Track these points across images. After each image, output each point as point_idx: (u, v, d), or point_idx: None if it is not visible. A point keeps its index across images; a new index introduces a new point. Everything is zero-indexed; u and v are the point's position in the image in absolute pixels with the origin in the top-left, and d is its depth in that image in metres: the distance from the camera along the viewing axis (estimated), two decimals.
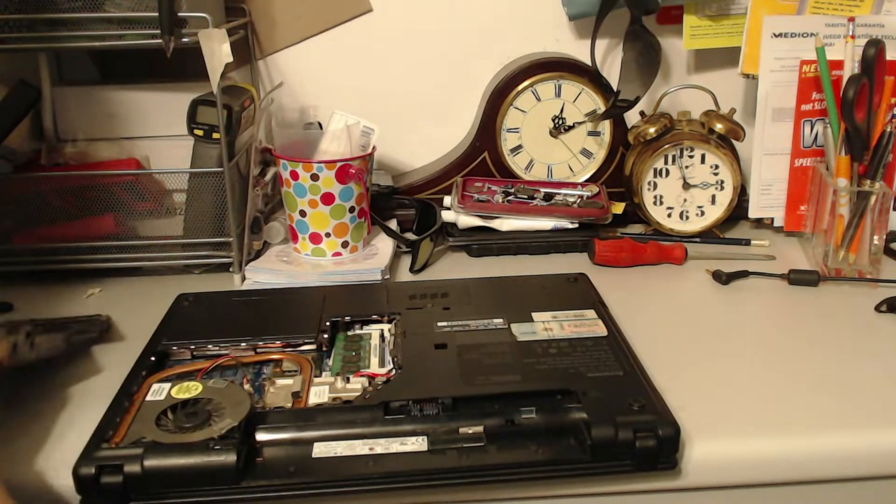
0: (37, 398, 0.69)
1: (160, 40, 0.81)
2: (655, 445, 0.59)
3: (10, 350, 0.67)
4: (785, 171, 1.01)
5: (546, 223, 1.00)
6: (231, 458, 0.56)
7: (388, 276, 0.91)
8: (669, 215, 1.03)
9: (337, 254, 0.94)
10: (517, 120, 1.05)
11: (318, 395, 0.64)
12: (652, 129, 1.00)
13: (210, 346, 0.71)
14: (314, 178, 0.89)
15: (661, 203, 1.02)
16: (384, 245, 0.97)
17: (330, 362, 0.71)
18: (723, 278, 0.91)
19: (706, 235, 1.03)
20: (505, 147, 1.06)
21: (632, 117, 1.06)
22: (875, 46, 0.89)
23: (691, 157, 1.01)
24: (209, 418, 0.59)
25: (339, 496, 0.57)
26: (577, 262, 0.97)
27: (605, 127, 1.06)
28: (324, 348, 0.72)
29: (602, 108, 1.05)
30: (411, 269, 0.94)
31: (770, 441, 0.64)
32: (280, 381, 0.67)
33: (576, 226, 1.00)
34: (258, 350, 0.71)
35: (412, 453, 0.59)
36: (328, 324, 0.74)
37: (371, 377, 0.67)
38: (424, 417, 0.61)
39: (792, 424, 0.65)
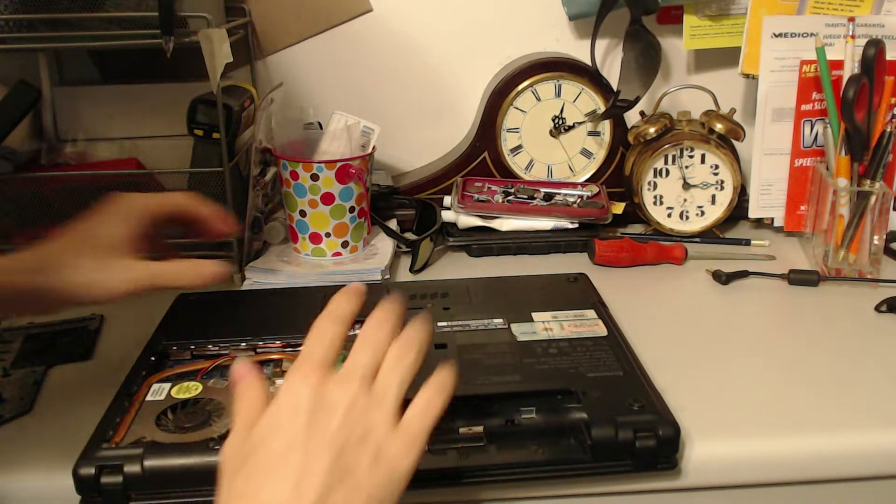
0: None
1: (160, 40, 0.81)
2: (655, 445, 0.59)
3: None
4: (785, 171, 1.01)
5: (546, 223, 1.00)
6: None
7: (388, 276, 0.91)
8: (669, 215, 1.03)
9: (337, 254, 0.94)
10: (517, 120, 1.05)
11: None
12: (652, 129, 1.01)
13: (210, 346, 0.71)
14: (314, 178, 0.89)
15: (661, 203, 1.02)
16: (384, 245, 0.97)
17: None
18: (723, 278, 0.91)
19: (706, 235, 1.03)
20: (505, 147, 1.06)
21: (632, 117, 1.06)
22: (875, 46, 0.89)
23: (691, 157, 1.01)
24: (209, 418, 0.59)
25: None
26: (577, 262, 0.97)
27: (605, 127, 1.06)
28: None
29: (602, 108, 1.05)
30: (411, 269, 0.94)
31: (770, 441, 0.64)
32: (280, 381, 0.67)
33: (576, 226, 1.00)
34: (258, 350, 0.71)
35: None
36: None
37: None
38: None
39: (792, 424, 0.65)
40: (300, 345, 0.72)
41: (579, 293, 0.82)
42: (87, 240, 0.63)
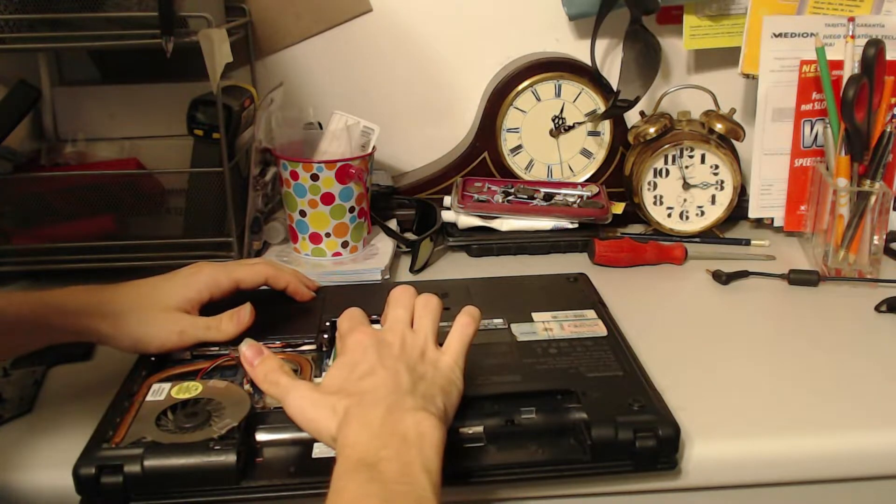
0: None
1: (160, 40, 0.81)
2: (655, 445, 0.59)
3: None
4: (785, 171, 1.01)
5: (546, 223, 1.00)
6: (231, 458, 0.56)
7: (388, 276, 0.91)
8: (669, 215, 1.03)
9: (337, 254, 0.94)
10: (517, 120, 1.05)
11: None
12: (652, 129, 1.00)
13: (210, 346, 0.71)
14: (314, 178, 0.89)
15: (661, 203, 1.02)
16: (384, 245, 0.97)
17: (330, 362, 0.71)
18: (723, 278, 0.91)
19: (706, 235, 1.03)
20: (505, 147, 1.06)
21: (632, 117, 1.06)
22: (875, 46, 0.89)
23: (691, 157, 1.01)
24: (209, 418, 0.59)
25: None
26: (577, 262, 0.97)
27: (605, 127, 1.06)
28: (324, 348, 0.72)
29: (602, 108, 1.05)
30: (411, 269, 0.94)
31: (770, 441, 0.64)
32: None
33: (576, 226, 1.00)
34: None
35: None
36: (328, 324, 0.74)
37: None
38: None
39: (792, 424, 0.65)
40: (300, 345, 0.72)
41: (579, 293, 0.81)
42: (155, 296, 0.69)
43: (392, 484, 0.47)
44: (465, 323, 0.61)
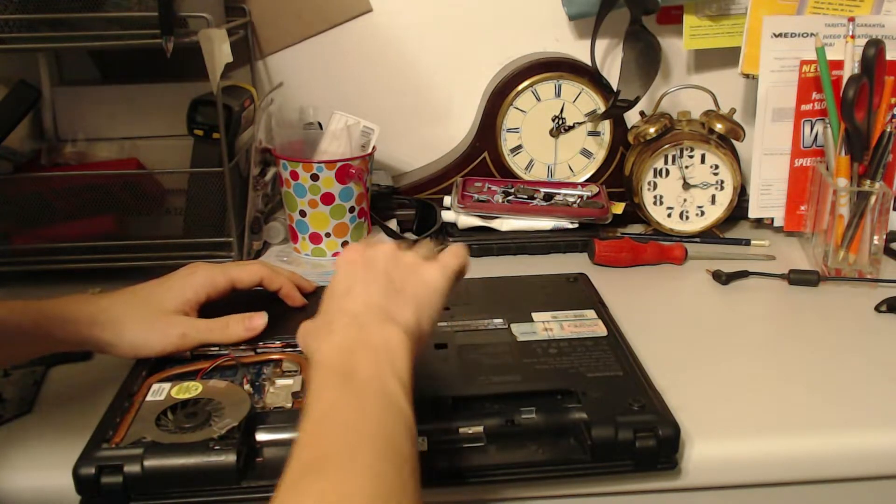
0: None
1: (160, 40, 0.81)
2: (655, 445, 0.59)
3: None
4: (785, 171, 1.01)
5: (546, 223, 1.00)
6: (231, 458, 0.56)
7: None
8: (669, 215, 1.03)
9: (337, 254, 0.94)
10: (517, 120, 1.05)
11: None
12: (652, 129, 1.00)
13: (210, 347, 0.71)
14: (314, 178, 0.89)
15: (661, 203, 1.02)
16: None
17: None
18: (723, 278, 0.91)
19: (706, 235, 1.03)
20: (505, 147, 1.06)
21: (632, 117, 1.06)
22: (875, 46, 0.89)
23: (691, 157, 1.01)
24: (209, 418, 0.59)
25: None
26: (577, 262, 0.97)
27: (605, 127, 1.06)
28: None
29: (602, 108, 1.05)
30: None
31: (770, 441, 0.64)
32: (280, 381, 0.67)
33: (576, 226, 1.00)
34: (258, 350, 0.71)
35: None
36: None
37: None
38: (424, 417, 0.61)
39: (792, 424, 0.65)
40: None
41: (579, 293, 0.81)
42: (152, 300, 0.69)
43: (362, 386, 0.49)
44: (456, 251, 0.62)
